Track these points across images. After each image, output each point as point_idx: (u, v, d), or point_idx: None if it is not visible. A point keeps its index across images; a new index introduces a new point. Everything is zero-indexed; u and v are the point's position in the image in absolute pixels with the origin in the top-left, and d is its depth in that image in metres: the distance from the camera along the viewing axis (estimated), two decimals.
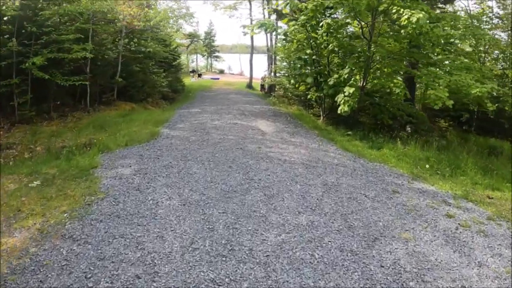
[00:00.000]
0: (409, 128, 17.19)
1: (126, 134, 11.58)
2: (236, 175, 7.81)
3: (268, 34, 27.54)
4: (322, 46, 14.91)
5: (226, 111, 16.02)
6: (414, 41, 15.34)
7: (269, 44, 27.43)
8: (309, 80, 14.55)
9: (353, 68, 13.48)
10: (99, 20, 16.87)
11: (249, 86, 31.34)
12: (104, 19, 16.74)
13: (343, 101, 12.62)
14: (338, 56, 14.87)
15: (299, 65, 15.39)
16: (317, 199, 6.82)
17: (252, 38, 32.02)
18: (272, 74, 26.74)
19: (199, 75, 38.92)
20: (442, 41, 13.70)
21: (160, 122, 13.25)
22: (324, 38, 14.44)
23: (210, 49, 52.77)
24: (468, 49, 18.62)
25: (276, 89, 25.91)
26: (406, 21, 10.76)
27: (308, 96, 16.43)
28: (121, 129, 12.41)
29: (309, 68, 15.53)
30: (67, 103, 15.93)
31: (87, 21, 15.47)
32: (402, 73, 16.06)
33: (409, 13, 10.63)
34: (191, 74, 38.30)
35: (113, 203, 6.30)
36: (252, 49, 32.42)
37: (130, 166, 8.33)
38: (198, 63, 51.66)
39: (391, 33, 15.35)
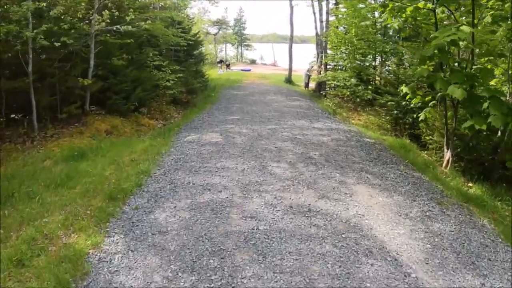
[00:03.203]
0: None
1: (13, 258, 3.42)
2: None
3: (318, 15, 18.62)
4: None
5: (271, 142, 7.59)
6: None
7: (318, 28, 18.54)
8: (458, 92, 5.84)
9: None
10: None
11: (288, 80, 22.69)
12: None
13: None
14: None
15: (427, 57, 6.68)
16: None
17: (291, 23, 23.21)
18: (322, 66, 17.96)
19: (228, 66, 30.42)
20: None
21: (122, 192, 5.03)
22: None
23: (241, 38, 43.84)
24: None
25: (327, 86, 17.23)
26: None
27: (420, 116, 7.75)
28: (26, 219, 4.40)
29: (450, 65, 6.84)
30: None
31: None
32: None
33: None
34: (219, 65, 29.86)
35: None
36: (292, 37, 23.59)
37: None
38: (227, 52, 42.98)
39: None
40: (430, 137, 8.86)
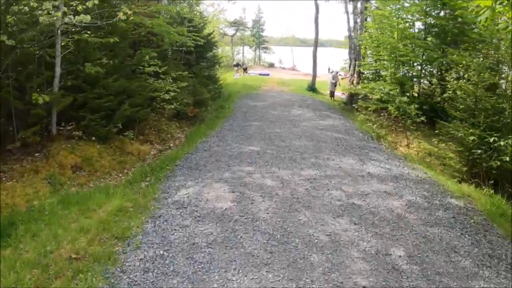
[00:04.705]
0: None
1: None
2: None
3: (351, 15, 15.29)
4: None
5: (316, 219, 4.44)
6: None
7: (351, 27, 15.14)
8: None
9: None
10: None
11: (311, 88, 19.34)
12: None
13: None
14: None
15: None
16: None
17: (316, 24, 19.83)
18: (355, 75, 14.63)
19: (245, 70, 27.23)
20: None
21: None
22: None
23: (259, 40, 40.39)
24: None
25: (359, 97, 13.98)
26: None
27: None
28: None
29: None
30: None
31: None
32: None
33: None
34: (235, 68, 26.70)
35: None
36: (317, 39, 20.22)
37: None
38: (245, 55, 39.64)
39: None
40: None
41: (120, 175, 6.84)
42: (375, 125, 10.37)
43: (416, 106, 10.11)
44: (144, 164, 7.29)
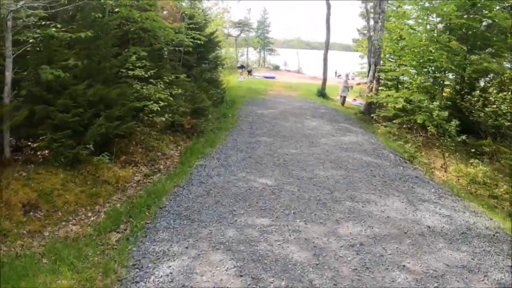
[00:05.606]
0: None
1: None
2: None
3: (371, 14, 13.46)
4: None
5: None
6: None
7: (371, 28, 13.31)
8: None
9: None
10: None
11: (322, 93, 17.54)
12: None
13: None
14: None
15: None
16: None
17: (328, 25, 17.95)
18: (375, 81, 12.83)
19: (249, 72, 25.41)
20: None
21: None
22: None
23: (264, 41, 38.52)
24: None
25: (377, 107, 12.31)
26: None
27: None
28: None
29: None
30: None
31: None
32: None
33: None
34: (239, 70, 24.87)
35: None
36: (328, 41, 18.37)
37: None
38: (249, 56, 37.74)
39: None
40: None
41: (89, 214, 5.09)
42: (409, 145, 8.55)
43: (456, 122, 8.36)
44: (123, 196, 5.57)
